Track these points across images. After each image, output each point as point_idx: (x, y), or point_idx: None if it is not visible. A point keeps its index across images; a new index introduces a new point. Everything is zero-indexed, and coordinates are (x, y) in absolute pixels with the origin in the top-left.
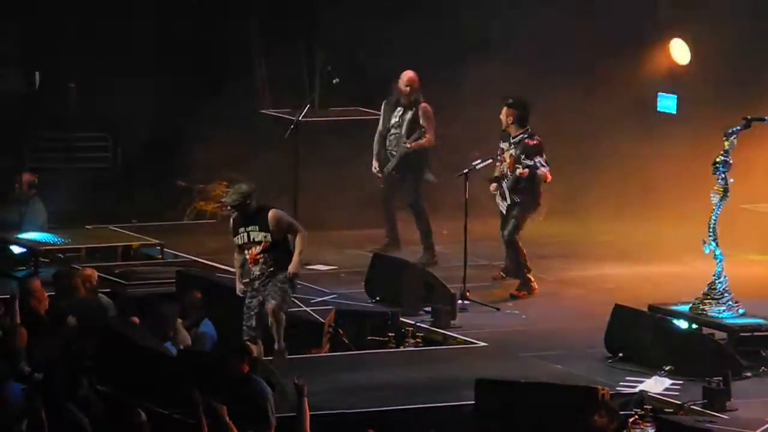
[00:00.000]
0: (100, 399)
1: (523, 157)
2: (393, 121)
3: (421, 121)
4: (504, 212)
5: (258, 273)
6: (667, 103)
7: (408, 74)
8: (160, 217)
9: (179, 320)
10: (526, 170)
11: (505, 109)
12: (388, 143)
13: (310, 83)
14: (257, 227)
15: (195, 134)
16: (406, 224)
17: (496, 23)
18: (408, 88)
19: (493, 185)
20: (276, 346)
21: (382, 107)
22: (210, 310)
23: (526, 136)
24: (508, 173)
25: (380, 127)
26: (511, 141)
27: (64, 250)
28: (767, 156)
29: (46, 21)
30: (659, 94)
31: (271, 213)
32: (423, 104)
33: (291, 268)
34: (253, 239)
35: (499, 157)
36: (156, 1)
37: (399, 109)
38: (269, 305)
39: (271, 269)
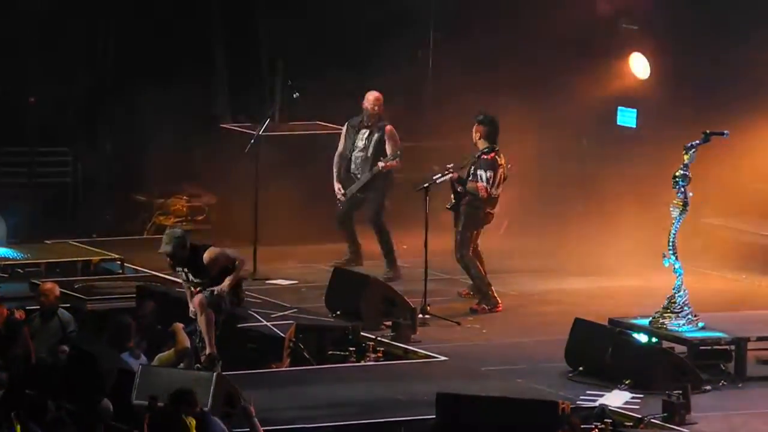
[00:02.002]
0: (71, 420)
1: (472, 169)
2: (360, 143)
3: (387, 144)
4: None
5: None
6: (627, 117)
7: (374, 94)
8: (120, 232)
9: (180, 325)
10: (455, 174)
11: (475, 125)
12: (352, 166)
13: (271, 97)
14: (194, 271)
15: (155, 149)
16: (370, 240)
17: (458, 38)
18: (375, 108)
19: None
20: (207, 350)
21: (345, 128)
22: (169, 324)
23: (486, 150)
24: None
25: (341, 148)
26: (476, 155)
27: (23, 265)
28: (726, 170)
29: (5, 36)
30: (619, 108)
31: (206, 257)
32: (388, 126)
33: (219, 287)
34: (192, 280)
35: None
36: (116, 14)
37: (364, 131)
38: (196, 298)
39: None
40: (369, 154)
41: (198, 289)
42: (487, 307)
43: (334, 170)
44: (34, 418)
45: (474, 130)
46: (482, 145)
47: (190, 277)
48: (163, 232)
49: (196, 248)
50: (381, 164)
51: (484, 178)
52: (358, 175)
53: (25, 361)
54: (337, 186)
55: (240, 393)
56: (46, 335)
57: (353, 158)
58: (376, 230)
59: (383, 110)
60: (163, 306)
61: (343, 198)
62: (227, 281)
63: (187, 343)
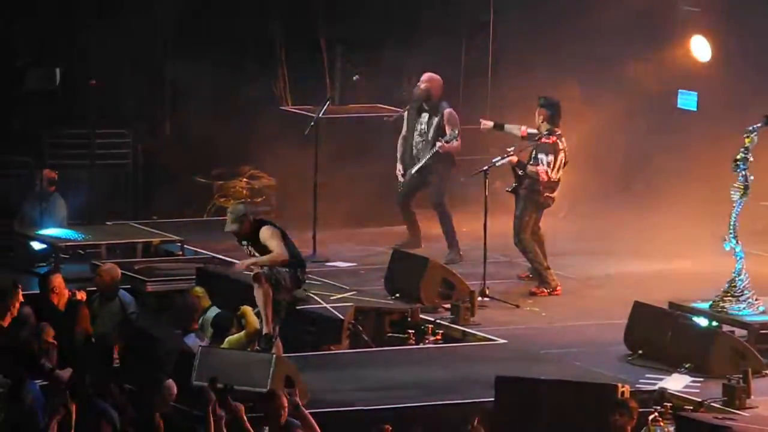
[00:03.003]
0: (130, 403)
1: (534, 153)
2: (419, 128)
3: (447, 127)
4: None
5: None
6: (687, 100)
7: (426, 75)
8: (180, 214)
9: (249, 307)
10: (514, 157)
11: (537, 109)
12: (414, 150)
13: (331, 80)
14: (254, 244)
15: (215, 131)
16: (429, 222)
17: (513, 20)
18: (424, 86)
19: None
20: (263, 329)
21: (406, 112)
22: (229, 306)
23: (547, 134)
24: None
25: (404, 131)
26: (537, 138)
27: (84, 247)
28: None
29: (67, 18)
30: (680, 91)
31: (261, 233)
32: (448, 110)
33: (240, 262)
34: (253, 253)
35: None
36: None
37: (424, 114)
38: (254, 274)
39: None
40: (429, 138)
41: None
42: (546, 291)
43: (398, 151)
44: (101, 395)
45: (537, 113)
46: (545, 128)
47: (251, 251)
48: (223, 213)
49: (258, 222)
50: (438, 144)
51: (544, 162)
52: (419, 158)
53: (85, 342)
54: (399, 167)
55: (298, 382)
56: (107, 316)
57: (414, 142)
58: (438, 213)
59: (439, 92)
60: (223, 288)
61: (402, 179)
62: (250, 259)
63: (258, 325)
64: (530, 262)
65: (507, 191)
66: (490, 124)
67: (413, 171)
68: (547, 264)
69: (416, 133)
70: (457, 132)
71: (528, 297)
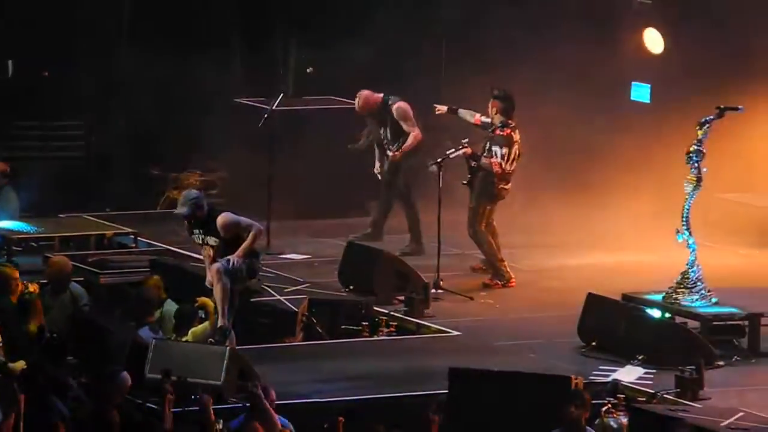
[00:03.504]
0: (87, 396)
1: (488, 145)
2: (382, 136)
3: (402, 124)
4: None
5: None
6: (640, 92)
7: (358, 100)
8: (133, 206)
9: (208, 299)
10: (468, 149)
11: (491, 101)
12: (388, 150)
13: (284, 72)
14: (209, 232)
15: (169, 123)
16: (390, 214)
17: (467, 14)
18: (361, 111)
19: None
20: (218, 322)
21: (369, 134)
22: (183, 298)
23: (501, 126)
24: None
25: (375, 137)
26: (491, 130)
27: (37, 239)
28: (740, 145)
29: (20, 9)
30: (633, 83)
31: (219, 220)
32: (395, 105)
33: (233, 255)
34: (207, 242)
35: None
36: None
37: (379, 122)
38: (213, 267)
39: None
40: (389, 138)
41: (212, 252)
42: (500, 283)
43: (377, 153)
44: (57, 393)
45: (490, 105)
46: (498, 120)
47: (206, 239)
48: (176, 206)
49: (212, 210)
50: (392, 153)
51: (498, 155)
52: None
53: (38, 335)
54: (377, 165)
55: (253, 375)
56: (59, 309)
57: (388, 151)
58: (404, 205)
59: (374, 99)
60: (177, 280)
61: (380, 175)
62: (240, 250)
63: None
64: (484, 254)
65: (463, 184)
66: (444, 108)
67: (386, 171)
68: (501, 256)
69: (385, 143)
70: (409, 125)
71: (482, 289)
